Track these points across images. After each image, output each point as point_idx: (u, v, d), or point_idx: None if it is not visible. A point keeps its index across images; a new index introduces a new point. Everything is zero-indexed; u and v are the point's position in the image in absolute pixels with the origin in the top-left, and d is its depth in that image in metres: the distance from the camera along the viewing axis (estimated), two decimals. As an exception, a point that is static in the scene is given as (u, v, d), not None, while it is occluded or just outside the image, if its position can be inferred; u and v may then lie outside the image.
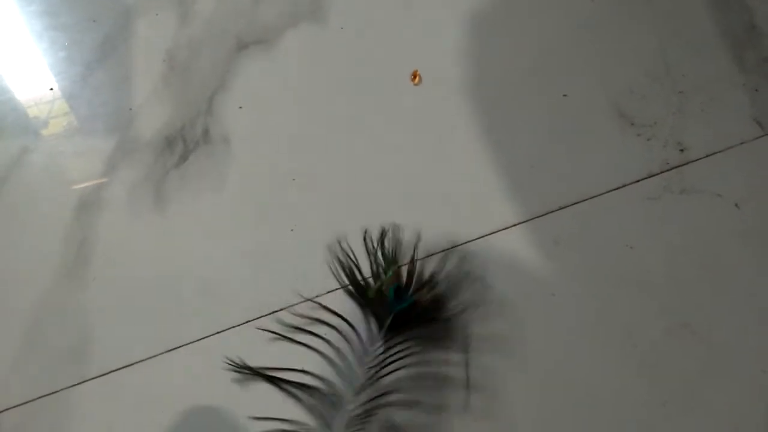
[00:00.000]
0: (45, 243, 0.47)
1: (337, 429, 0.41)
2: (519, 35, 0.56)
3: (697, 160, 0.53)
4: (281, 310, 0.46)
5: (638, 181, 0.52)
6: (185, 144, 0.51)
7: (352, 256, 0.46)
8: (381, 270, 0.45)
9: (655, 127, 0.53)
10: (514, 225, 0.49)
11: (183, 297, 0.46)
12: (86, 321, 0.45)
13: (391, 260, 0.45)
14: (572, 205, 0.50)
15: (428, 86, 0.55)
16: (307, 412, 0.43)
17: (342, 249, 0.47)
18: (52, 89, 0.52)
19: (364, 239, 0.47)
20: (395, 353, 0.42)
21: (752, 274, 0.47)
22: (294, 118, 0.53)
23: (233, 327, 0.45)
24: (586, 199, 0.50)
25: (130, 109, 0.52)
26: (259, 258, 0.47)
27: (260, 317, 0.45)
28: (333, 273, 0.46)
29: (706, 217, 0.50)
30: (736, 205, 0.50)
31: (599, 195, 0.51)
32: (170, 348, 0.45)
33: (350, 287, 0.45)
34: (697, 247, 0.49)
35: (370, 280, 0.45)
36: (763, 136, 0.53)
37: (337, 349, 0.44)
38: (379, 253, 0.45)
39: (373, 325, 0.43)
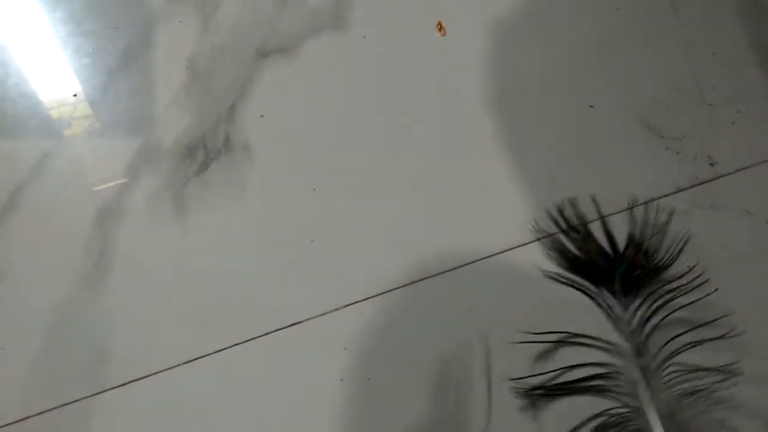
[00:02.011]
0: (65, 248, 0.47)
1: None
2: (545, 46, 0.55)
3: (728, 174, 0.51)
4: (302, 322, 0.45)
5: (667, 195, 0.51)
6: (206, 152, 0.51)
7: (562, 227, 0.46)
8: (582, 240, 0.45)
9: (684, 140, 0.52)
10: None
11: (202, 308, 0.46)
12: (105, 330, 0.45)
13: (585, 230, 0.46)
14: (596, 220, 0.49)
15: (453, 96, 0.54)
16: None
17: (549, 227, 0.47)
18: (75, 95, 0.52)
19: (554, 218, 0.47)
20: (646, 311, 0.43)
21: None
22: (315, 128, 0.53)
23: (253, 339, 0.44)
24: (611, 214, 0.49)
25: (152, 116, 0.52)
26: (279, 269, 0.47)
27: (280, 329, 0.45)
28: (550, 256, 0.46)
29: (736, 234, 0.49)
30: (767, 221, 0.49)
31: (622, 211, 0.50)
32: (189, 359, 0.45)
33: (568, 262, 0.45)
34: (727, 264, 0.47)
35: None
36: (796, 150, 0.52)
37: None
38: (572, 226, 0.46)
39: (607, 298, 0.43)
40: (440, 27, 0.56)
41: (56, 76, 0.54)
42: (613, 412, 0.42)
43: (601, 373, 0.43)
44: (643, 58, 0.56)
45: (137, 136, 0.51)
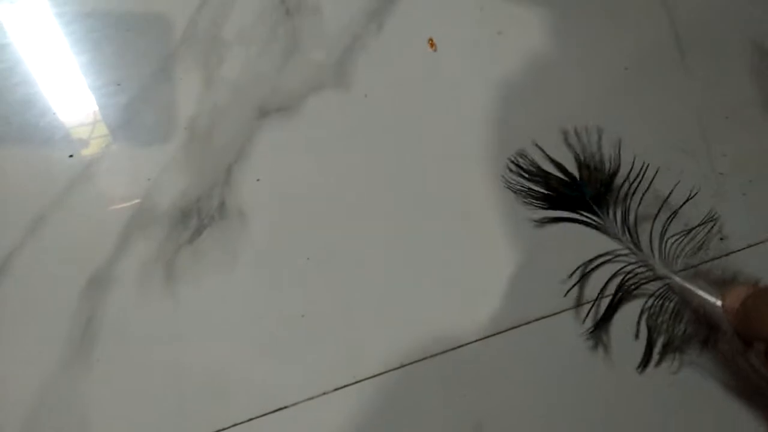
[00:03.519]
0: (51, 320, 0.46)
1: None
2: (545, 104, 0.53)
3: (739, 250, 0.49)
4: (289, 407, 0.44)
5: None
6: (200, 218, 0.50)
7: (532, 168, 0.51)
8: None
9: (693, 211, 0.49)
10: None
11: (184, 390, 0.44)
12: (86, 409, 0.44)
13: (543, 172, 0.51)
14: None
15: (454, 158, 0.52)
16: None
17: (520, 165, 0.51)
18: (72, 156, 0.52)
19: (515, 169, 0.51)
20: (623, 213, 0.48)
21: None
22: (312, 193, 0.51)
23: (236, 425, 0.43)
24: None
25: (148, 179, 0.51)
26: (266, 347, 0.46)
27: (265, 414, 0.43)
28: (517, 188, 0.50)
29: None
30: (785, 305, 0.46)
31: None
32: (170, 442, 0.43)
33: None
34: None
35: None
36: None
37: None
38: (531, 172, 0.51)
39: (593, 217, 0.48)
40: (432, 43, 0.55)
41: (55, 141, 0.54)
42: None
43: (626, 274, 0.46)
44: (651, 118, 0.53)
45: (131, 200, 0.51)
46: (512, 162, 0.50)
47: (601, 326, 0.46)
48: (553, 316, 0.47)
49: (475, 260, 0.49)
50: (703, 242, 0.47)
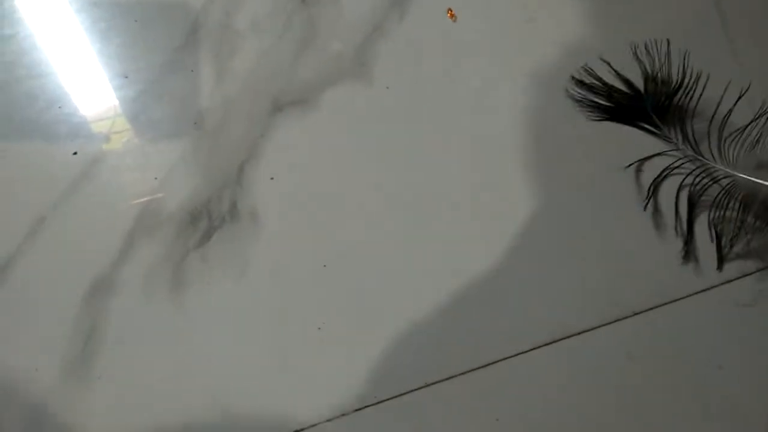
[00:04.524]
0: (53, 329, 0.43)
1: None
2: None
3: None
4: (303, 430, 0.40)
5: (728, 282, 0.44)
6: (210, 220, 0.47)
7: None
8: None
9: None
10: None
11: (192, 406, 0.41)
12: (87, 423, 0.41)
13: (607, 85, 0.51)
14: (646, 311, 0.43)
15: (483, 157, 0.48)
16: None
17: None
18: (75, 153, 0.49)
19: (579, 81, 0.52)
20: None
21: None
22: (329, 192, 0.48)
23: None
24: (660, 305, 0.43)
25: (156, 178, 0.48)
26: (279, 363, 0.42)
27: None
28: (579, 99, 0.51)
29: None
30: None
31: (677, 300, 0.43)
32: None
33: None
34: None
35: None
36: None
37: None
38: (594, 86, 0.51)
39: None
40: (451, 13, 0.53)
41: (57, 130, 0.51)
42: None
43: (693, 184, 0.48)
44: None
45: (138, 200, 0.48)
46: (575, 78, 0.52)
47: (689, 243, 0.47)
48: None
49: (503, 264, 0.46)
50: (760, 136, 0.48)
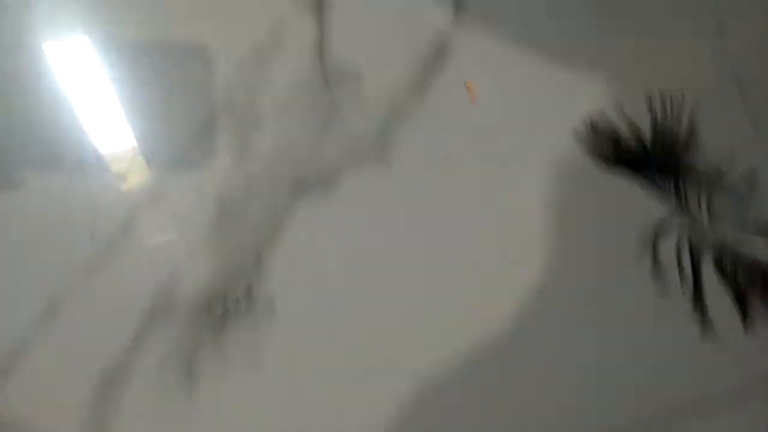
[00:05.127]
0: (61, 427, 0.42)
1: None
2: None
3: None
4: None
5: None
6: (225, 308, 0.46)
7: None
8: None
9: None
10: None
11: None
12: None
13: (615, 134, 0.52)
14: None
15: (505, 255, 0.47)
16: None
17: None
18: (92, 237, 0.49)
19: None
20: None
21: None
22: (347, 281, 0.47)
23: None
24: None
25: (173, 260, 0.48)
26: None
27: None
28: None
29: None
30: None
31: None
32: None
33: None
34: None
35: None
36: None
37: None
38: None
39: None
40: (470, 91, 0.53)
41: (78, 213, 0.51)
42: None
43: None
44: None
45: (154, 285, 0.47)
46: (588, 124, 0.52)
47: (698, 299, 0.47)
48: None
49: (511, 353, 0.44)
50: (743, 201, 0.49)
